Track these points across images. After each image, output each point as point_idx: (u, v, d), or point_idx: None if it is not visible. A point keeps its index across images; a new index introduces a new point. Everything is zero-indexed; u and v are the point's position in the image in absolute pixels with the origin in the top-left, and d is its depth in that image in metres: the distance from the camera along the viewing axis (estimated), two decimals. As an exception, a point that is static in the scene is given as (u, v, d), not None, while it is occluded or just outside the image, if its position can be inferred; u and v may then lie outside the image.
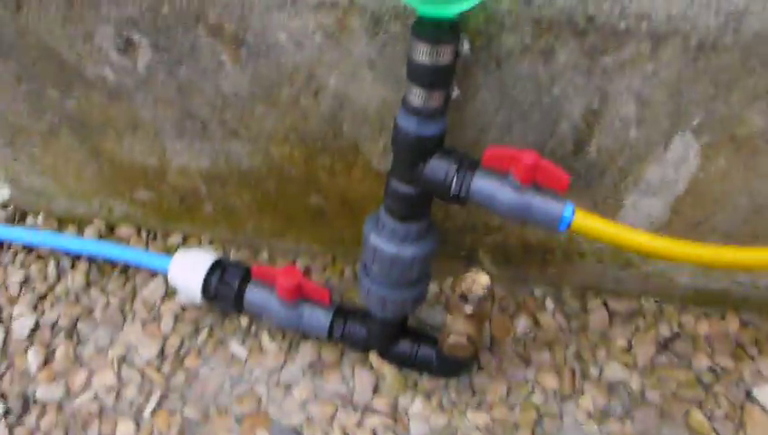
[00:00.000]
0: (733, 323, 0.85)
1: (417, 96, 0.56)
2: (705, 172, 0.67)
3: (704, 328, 0.85)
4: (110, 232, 0.95)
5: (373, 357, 0.80)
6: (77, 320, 0.86)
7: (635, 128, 0.64)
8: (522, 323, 0.84)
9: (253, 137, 0.73)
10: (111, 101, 0.73)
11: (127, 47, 0.67)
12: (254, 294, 0.78)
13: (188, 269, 0.80)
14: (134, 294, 0.88)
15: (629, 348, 0.82)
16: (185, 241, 0.94)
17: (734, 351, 0.83)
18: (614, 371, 0.80)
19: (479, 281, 0.65)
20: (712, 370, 0.81)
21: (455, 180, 0.58)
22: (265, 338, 0.83)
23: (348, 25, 0.60)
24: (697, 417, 0.77)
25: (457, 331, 0.67)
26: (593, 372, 0.80)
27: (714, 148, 0.64)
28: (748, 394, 0.79)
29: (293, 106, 0.69)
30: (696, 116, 0.62)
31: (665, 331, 0.84)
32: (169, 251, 0.91)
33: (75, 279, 0.89)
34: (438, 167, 0.59)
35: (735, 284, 0.82)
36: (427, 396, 0.77)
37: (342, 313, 0.78)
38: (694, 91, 0.60)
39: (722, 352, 0.82)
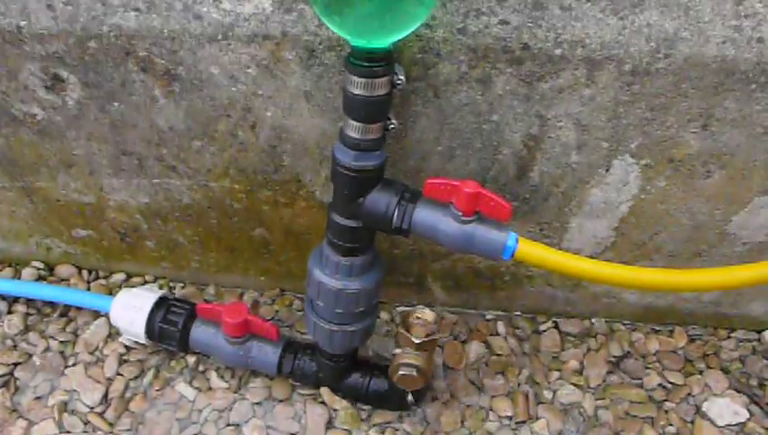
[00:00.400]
0: (681, 339, 0.86)
1: (353, 129, 0.55)
2: (647, 193, 0.68)
3: (653, 345, 0.85)
4: (49, 272, 0.91)
5: (325, 392, 0.78)
6: (14, 367, 0.81)
7: (576, 152, 0.64)
8: (474, 349, 0.83)
9: (191, 172, 0.72)
10: (42, 138, 0.71)
11: (54, 84, 0.64)
12: (199, 332, 0.76)
13: (131, 309, 0.77)
14: (75, 336, 0.84)
15: (582, 369, 0.82)
16: (128, 280, 0.91)
17: (683, 366, 0.83)
18: (567, 393, 0.80)
19: (426, 315, 0.64)
20: (663, 387, 0.82)
21: (396, 213, 0.57)
22: (214, 377, 0.80)
23: (282, 58, 0.58)
24: (651, 435, 0.77)
25: (406, 363, 0.66)
26: (547, 395, 0.80)
27: (653, 170, 0.65)
28: (698, 409, 0.80)
29: (231, 140, 0.67)
30: (634, 139, 0.62)
31: (616, 350, 0.84)
32: (112, 290, 0.88)
33: (12, 323, 0.85)
34: (379, 199, 0.58)
35: (681, 300, 0.83)
36: (381, 430, 0.76)
37: (291, 348, 0.76)
38: (631, 114, 0.60)
39: (671, 369, 0.83)
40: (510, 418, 0.78)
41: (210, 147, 0.68)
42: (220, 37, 0.58)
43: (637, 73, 0.57)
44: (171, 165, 0.71)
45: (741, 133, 0.61)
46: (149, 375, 0.80)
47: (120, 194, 0.76)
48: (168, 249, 0.84)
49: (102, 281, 0.90)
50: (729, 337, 0.87)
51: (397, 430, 0.76)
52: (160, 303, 0.78)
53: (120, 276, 0.90)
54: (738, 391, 0.81)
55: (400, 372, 0.67)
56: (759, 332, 0.87)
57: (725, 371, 0.83)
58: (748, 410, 0.79)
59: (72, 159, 0.73)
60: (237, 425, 0.76)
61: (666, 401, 0.80)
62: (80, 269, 0.91)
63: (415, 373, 0.66)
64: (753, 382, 0.82)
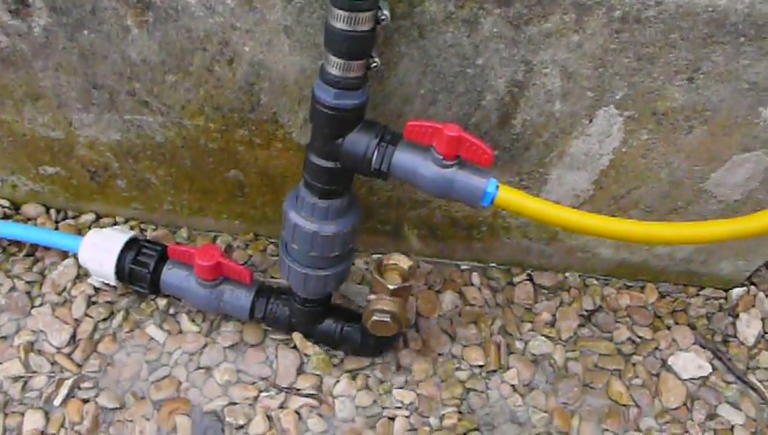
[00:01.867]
0: (651, 295, 0.87)
1: (334, 66, 0.53)
2: (628, 147, 0.67)
3: (625, 300, 0.86)
4: (15, 211, 0.88)
5: (297, 337, 0.77)
6: (-22, 306, 0.80)
7: (560, 101, 0.63)
8: (448, 299, 0.83)
9: (165, 108, 0.69)
10: (6, 67, 0.67)
11: (19, 8, 0.61)
12: (171, 274, 0.75)
13: (101, 249, 0.76)
14: (42, 277, 0.82)
15: (554, 321, 0.83)
16: (97, 220, 0.88)
17: (652, 322, 0.84)
18: (538, 344, 0.81)
19: (402, 261, 0.63)
20: (631, 341, 0.83)
21: (375, 155, 0.56)
22: (185, 320, 0.79)
23: (262, -11, 0.56)
24: (617, 386, 0.78)
25: (380, 309, 0.65)
26: (518, 345, 0.80)
27: (636, 122, 0.65)
28: (664, 363, 0.81)
29: (207, 75, 0.65)
30: (619, 90, 0.62)
31: (588, 304, 0.85)
32: (81, 231, 0.85)
33: (-24, 262, 0.83)
34: (358, 140, 0.56)
35: (654, 257, 0.84)
36: (353, 376, 0.76)
37: (264, 292, 0.75)
38: (618, 64, 0.59)
39: (641, 324, 0.84)
40: (481, 367, 0.78)
41: (185, 82, 0.66)
42: (197, -37, 0.55)
43: (626, 21, 0.56)
44: (144, 100, 0.69)
45: (726, 88, 0.61)
46: (119, 317, 0.79)
47: (89, 130, 0.74)
48: (139, 190, 0.82)
49: (71, 221, 0.87)
50: (698, 295, 0.88)
51: (368, 376, 0.76)
52: (131, 244, 0.76)
53: (89, 217, 0.88)
54: (703, 347, 0.83)
55: (374, 318, 0.66)
56: (726, 290, 0.89)
57: (692, 327, 0.85)
58: (711, 364, 0.81)
59: (38, 92, 0.70)
60: (208, 368, 0.76)
61: (634, 354, 0.81)
62: (47, 208, 0.88)
63: (389, 319, 0.66)
64: (718, 339, 0.84)
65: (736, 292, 0.88)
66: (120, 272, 0.75)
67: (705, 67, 0.59)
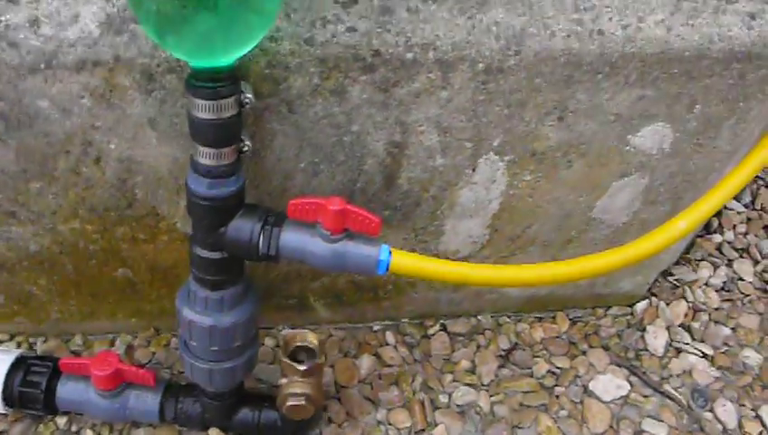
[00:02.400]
0: (563, 324, 0.88)
1: (204, 155, 0.51)
2: (515, 188, 0.68)
3: (539, 333, 0.87)
4: None
5: (214, 433, 0.73)
6: None
7: (440, 155, 0.63)
8: (365, 363, 0.81)
9: (34, 216, 0.65)
10: None
11: None
12: (67, 389, 0.69)
13: (-17, 375, 0.69)
14: None
15: (474, 368, 0.82)
16: (-22, 341, 0.81)
17: (568, 350, 0.86)
18: (462, 394, 0.80)
19: (307, 339, 0.61)
20: (551, 372, 0.83)
21: (261, 239, 0.54)
22: (89, 435, 0.73)
23: (117, 84, 0.53)
24: (545, 422, 0.78)
25: (294, 393, 0.63)
26: (442, 399, 0.79)
27: (517, 165, 0.66)
28: (585, 389, 0.82)
29: (75, 178, 0.61)
30: (495, 137, 0.63)
31: (504, 343, 0.85)
32: (-41, 355, 0.78)
33: None
34: (241, 227, 0.54)
35: (559, 287, 0.85)
36: (278, 464, 0.72)
37: (172, 391, 0.70)
38: (490, 113, 0.60)
39: (557, 354, 0.85)
40: (409, 429, 0.76)
41: (52, 187, 0.62)
42: (43, 66, 0.52)
43: (490, 72, 0.57)
44: (10, 211, 0.64)
45: (594, 122, 0.63)
46: (14, 446, 0.72)
47: (-46, 248, 0.68)
48: (20, 303, 0.76)
49: (-53, 347, 0.80)
50: (606, 315, 0.90)
51: (294, 460, 0.73)
52: (17, 364, 0.70)
53: (-33, 339, 0.81)
54: (619, 365, 0.84)
55: (289, 403, 0.64)
56: (631, 305, 0.91)
57: (606, 347, 0.86)
58: (629, 381, 0.83)
59: None
60: (121, 483, 0.70)
61: (556, 386, 0.82)
62: None
63: (304, 402, 0.63)
64: (631, 355, 0.86)
65: (640, 306, 0.91)
66: (8, 398, 0.69)
67: (571, 105, 0.61)
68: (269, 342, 0.82)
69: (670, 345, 0.87)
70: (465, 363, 0.82)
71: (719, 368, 0.85)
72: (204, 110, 0.49)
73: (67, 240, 0.68)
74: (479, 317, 0.87)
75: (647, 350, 0.87)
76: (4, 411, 0.71)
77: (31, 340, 0.81)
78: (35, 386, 0.69)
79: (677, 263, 0.95)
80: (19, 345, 0.80)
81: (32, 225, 0.66)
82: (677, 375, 0.84)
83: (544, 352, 0.85)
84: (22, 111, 0.55)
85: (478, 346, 0.85)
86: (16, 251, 0.69)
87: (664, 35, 0.57)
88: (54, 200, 0.63)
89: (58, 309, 0.77)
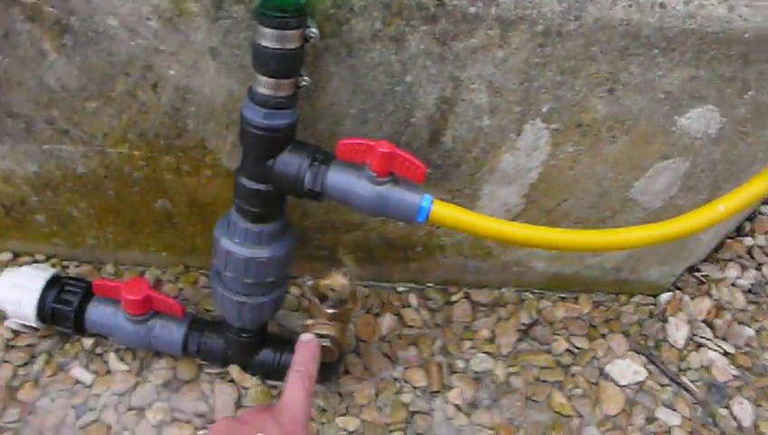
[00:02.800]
0: (585, 306, 0.89)
1: (263, 85, 0.52)
2: (556, 159, 0.69)
3: (560, 312, 0.87)
4: None
5: (234, 370, 0.74)
6: None
7: (488, 116, 0.64)
8: (387, 322, 0.82)
9: (86, 136, 0.66)
10: None
11: (-76, 34, 0.58)
12: (97, 311, 0.71)
13: (19, 289, 0.71)
14: (-46, 322, 0.77)
15: (493, 338, 0.83)
16: (15, 259, 0.83)
17: (588, 332, 0.86)
18: (480, 361, 0.81)
19: (338, 282, 0.62)
20: (570, 352, 0.84)
21: (308, 175, 0.55)
22: (113, 359, 0.75)
23: (186, 9, 0.55)
24: (559, 398, 0.79)
25: (320, 334, 0.64)
26: (460, 364, 0.80)
27: (562, 135, 0.66)
28: (602, 371, 0.83)
29: (130, 101, 0.62)
30: (545, 103, 0.63)
31: (525, 318, 0.86)
32: (-4, 271, 0.80)
33: None
34: (290, 161, 0.55)
35: (585, 268, 0.86)
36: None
37: (197, 325, 0.72)
38: (542, 77, 0.61)
39: (577, 334, 0.86)
40: (424, 388, 0.77)
41: (107, 108, 0.63)
42: (118, -16, 0.53)
43: (549, 35, 0.57)
44: (63, 129, 0.66)
45: (643, 98, 0.63)
46: (40, 361, 0.74)
47: (4, 162, 0.70)
48: (59, 224, 0.78)
49: (-16, 262, 0.82)
50: (629, 302, 0.91)
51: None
52: (53, 281, 0.72)
53: (5, 256, 0.83)
54: (637, 352, 0.85)
55: (311, 343, 0.65)
56: (655, 296, 0.92)
57: (626, 334, 0.87)
58: (646, 369, 0.83)
59: (-54, 123, 0.66)
60: (140, 409, 0.72)
61: (573, 365, 0.82)
62: (-42, 250, 0.83)
63: (329, 344, 0.64)
64: (650, 343, 0.86)
65: (664, 297, 0.91)
66: (41, 312, 0.71)
67: (623, 78, 0.61)
68: (294, 290, 0.84)
69: (691, 339, 0.87)
70: (484, 332, 0.83)
71: (739, 367, 0.85)
72: (269, 38, 0.50)
73: (113, 164, 0.69)
74: (503, 290, 0.88)
75: (666, 341, 0.87)
76: (36, 325, 0.73)
77: (65, 263, 0.83)
78: (68, 304, 0.71)
79: (705, 260, 0.95)
80: (53, 267, 0.82)
81: (83, 145, 0.67)
82: (696, 369, 0.85)
83: (564, 331, 0.86)
84: (91, 27, 0.57)
85: (499, 318, 0.85)
86: (63, 171, 0.70)
87: (725, 14, 0.57)
88: (107, 122, 0.65)
89: (94, 235, 0.79)
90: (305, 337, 0.62)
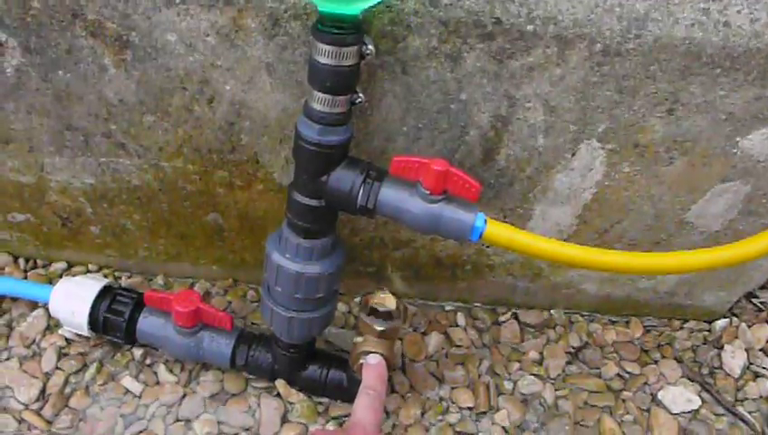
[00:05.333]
0: (637, 330, 0.87)
1: (319, 101, 0.52)
2: (611, 180, 0.67)
3: (611, 336, 0.85)
4: (-19, 261, 0.85)
5: (280, 384, 0.74)
6: (-60, 362, 0.75)
7: (543, 135, 0.63)
8: (434, 341, 0.81)
9: (142, 150, 0.68)
10: (-24, 111, 0.66)
11: (-8, 50, 0.59)
12: (147, 322, 0.72)
13: (73, 298, 0.73)
14: (10, 329, 0.78)
15: (541, 360, 0.82)
16: (69, 269, 0.85)
17: (639, 356, 0.84)
18: (528, 383, 0.79)
19: (387, 300, 0.62)
20: (620, 376, 0.82)
21: (361, 191, 0.55)
22: (162, 370, 0.76)
23: (243, 25, 0.55)
24: (608, 424, 0.77)
25: (368, 351, 0.64)
26: (507, 386, 0.79)
27: (618, 155, 0.65)
28: (653, 398, 0.80)
29: (186, 115, 0.63)
30: (601, 123, 0.62)
31: (574, 341, 0.84)
32: (52, 280, 0.82)
33: (-62, 315, 0.79)
34: (344, 177, 0.55)
35: (638, 290, 0.83)
36: (339, 423, 0.73)
37: (246, 338, 0.72)
38: (599, 96, 0.60)
39: (628, 359, 0.83)
40: (471, 409, 0.76)
41: (163, 123, 0.64)
42: (178, 0, 0.54)
43: (607, 54, 0.56)
44: (120, 142, 0.67)
45: (704, 119, 0.61)
46: (92, 369, 0.75)
47: (62, 174, 0.71)
48: (113, 236, 0.79)
49: (41, 271, 0.84)
50: (682, 328, 0.88)
51: (355, 422, 0.73)
52: (105, 291, 0.73)
53: (60, 265, 0.85)
54: (691, 380, 0.82)
55: (362, 361, 0.64)
56: (710, 322, 0.89)
57: (679, 360, 0.84)
58: (700, 397, 0.80)
59: (9, 135, 0.68)
60: (187, 420, 0.72)
61: (623, 390, 0.80)
62: (15, 258, 0.85)
63: (377, 361, 0.64)
64: (705, 371, 0.84)
65: (720, 323, 0.88)
66: (93, 322, 0.72)
67: (683, 99, 0.60)
68: (341, 307, 0.83)
69: (748, 368, 0.84)
70: (533, 354, 0.82)
71: (798, 398, 0.82)
72: (326, 55, 0.50)
73: (168, 178, 0.70)
74: (552, 312, 0.86)
75: (722, 368, 0.84)
76: (87, 335, 0.74)
77: (117, 274, 0.85)
78: (119, 314, 0.72)
79: (764, 286, 0.91)
80: (105, 277, 0.83)
81: (138, 158, 0.69)
82: (753, 399, 0.81)
83: (615, 355, 0.84)
84: (150, 43, 0.58)
85: (548, 340, 0.84)
86: (119, 183, 0.72)
87: (794, 33, 0.55)
88: (163, 136, 0.66)
89: (146, 247, 0.80)
90: (372, 359, 0.63)
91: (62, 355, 0.76)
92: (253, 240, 0.77)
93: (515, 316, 0.85)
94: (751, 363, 0.84)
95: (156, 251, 0.81)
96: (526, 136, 0.63)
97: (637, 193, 0.69)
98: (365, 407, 0.58)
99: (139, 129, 0.65)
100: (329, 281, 0.63)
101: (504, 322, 0.85)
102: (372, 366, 0.63)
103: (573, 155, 0.65)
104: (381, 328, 0.63)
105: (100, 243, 0.81)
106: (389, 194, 0.55)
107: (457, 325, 0.84)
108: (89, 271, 0.85)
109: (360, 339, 0.65)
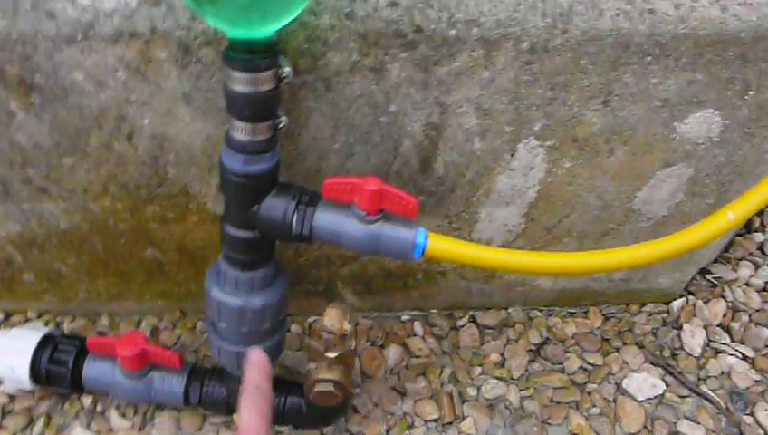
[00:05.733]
0: (596, 319, 0.86)
1: (240, 130, 0.50)
2: (553, 176, 0.66)
3: (571, 328, 0.85)
4: None
5: (238, 417, 0.72)
6: None
7: (479, 139, 0.62)
8: (392, 354, 0.80)
9: (66, 193, 0.64)
10: None
11: None
12: (93, 369, 0.69)
13: (10, 353, 0.69)
14: (-53, 390, 0.74)
15: (503, 361, 0.80)
16: (7, 319, 0.81)
17: (600, 346, 0.83)
18: (491, 387, 0.78)
19: (336, 321, 0.59)
20: (583, 369, 0.81)
21: (295, 218, 0.53)
22: (114, 416, 0.73)
23: (153, 57, 0.52)
24: (576, 419, 0.76)
25: (322, 379, 0.61)
26: (471, 392, 0.77)
27: (558, 151, 0.64)
28: (618, 387, 0.80)
29: (107, 154, 0.60)
30: (537, 121, 0.61)
31: (535, 337, 0.83)
32: (-12, 333, 0.78)
33: None
34: (275, 205, 0.53)
35: (593, 280, 0.83)
36: (302, 451, 0.71)
37: (198, 374, 0.70)
38: (532, 95, 0.58)
39: (590, 350, 0.83)
40: (436, 420, 0.75)
41: (84, 163, 0.61)
42: (80, 37, 0.51)
43: (535, 51, 0.55)
44: (41, 187, 0.63)
45: (640, 108, 0.61)
46: (40, 424, 0.72)
47: (-16, 224, 0.68)
48: (49, 281, 0.75)
49: (-24, 324, 0.80)
50: (641, 312, 0.88)
51: (319, 448, 0.71)
52: (45, 342, 0.70)
53: (-4, 317, 0.81)
54: (653, 364, 0.82)
55: (316, 389, 0.62)
56: (667, 303, 0.89)
57: (640, 345, 0.84)
58: (664, 380, 0.80)
59: None
60: (145, 465, 0.69)
61: (587, 382, 0.79)
62: (-54, 313, 0.81)
63: (332, 388, 0.62)
64: (666, 353, 0.83)
65: (677, 304, 0.88)
66: (35, 375, 0.69)
67: (617, 89, 0.59)
68: (294, 328, 0.81)
69: (708, 346, 0.84)
70: (494, 356, 0.81)
71: (760, 371, 0.82)
72: (241, 82, 0.47)
73: (97, 218, 0.67)
74: (509, 310, 0.85)
75: (683, 349, 0.84)
76: (31, 389, 0.70)
77: (58, 319, 0.81)
78: (62, 364, 0.69)
79: (716, 261, 0.92)
80: (47, 324, 0.80)
81: (63, 201, 0.65)
82: (715, 377, 0.81)
83: (576, 347, 0.83)
84: (57, 83, 0.54)
85: (508, 339, 0.83)
86: (47, 228, 0.68)
87: (719, 15, 0.54)
88: (86, 177, 0.62)
89: (86, 288, 0.77)
90: (253, 356, 0.58)
91: (5, 413, 0.72)
92: (195, 271, 0.74)
93: (473, 319, 0.84)
94: (710, 341, 0.85)
95: (96, 292, 0.77)
96: (462, 141, 0.61)
97: (581, 187, 0.68)
98: (250, 410, 0.52)
99: (59, 172, 0.62)
100: (274, 311, 0.60)
101: (462, 326, 0.83)
102: (252, 363, 0.57)
103: (512, 155, 0.63)
104: (332, 355, 0.61)
105: (36, 290, 0.77)
106: (325, 218, 0.53)
107: (415, 335, 0.82)
108: (28, 319, 0.81)
109: (312, 366, 0.63)
